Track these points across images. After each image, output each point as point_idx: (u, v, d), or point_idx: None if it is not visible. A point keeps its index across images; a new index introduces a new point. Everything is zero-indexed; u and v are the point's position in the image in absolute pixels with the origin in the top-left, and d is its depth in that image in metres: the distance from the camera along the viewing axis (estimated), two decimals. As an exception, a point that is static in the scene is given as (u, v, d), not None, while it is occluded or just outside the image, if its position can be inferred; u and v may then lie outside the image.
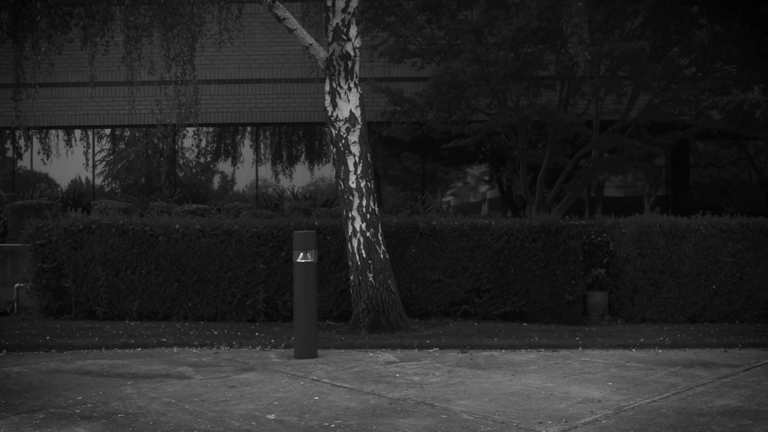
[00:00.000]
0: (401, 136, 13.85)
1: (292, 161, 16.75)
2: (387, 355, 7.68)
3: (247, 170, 16.70)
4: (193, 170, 17.12)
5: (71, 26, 10.54)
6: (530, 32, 11.70)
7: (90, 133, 16.74)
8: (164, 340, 8.29)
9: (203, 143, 16.93)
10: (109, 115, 16.18)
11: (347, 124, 8.99)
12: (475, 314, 9.83)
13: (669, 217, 10.15)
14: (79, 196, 15.81)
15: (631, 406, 5.60)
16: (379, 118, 14.08)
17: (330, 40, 9.04)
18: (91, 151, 16.77)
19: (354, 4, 8.97)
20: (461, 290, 9.81)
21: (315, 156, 16.79)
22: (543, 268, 9.74)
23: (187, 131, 16.30)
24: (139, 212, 12.96)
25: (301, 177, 16.64)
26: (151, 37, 11.12)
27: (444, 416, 5.35)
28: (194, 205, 13.19)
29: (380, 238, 9.03)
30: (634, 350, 7.95)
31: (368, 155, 9.12)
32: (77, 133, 16.72)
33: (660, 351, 7.94)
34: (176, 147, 16.77)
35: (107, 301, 9.81)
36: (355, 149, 8.99)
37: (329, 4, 9.00)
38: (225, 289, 9.76)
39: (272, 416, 5.35)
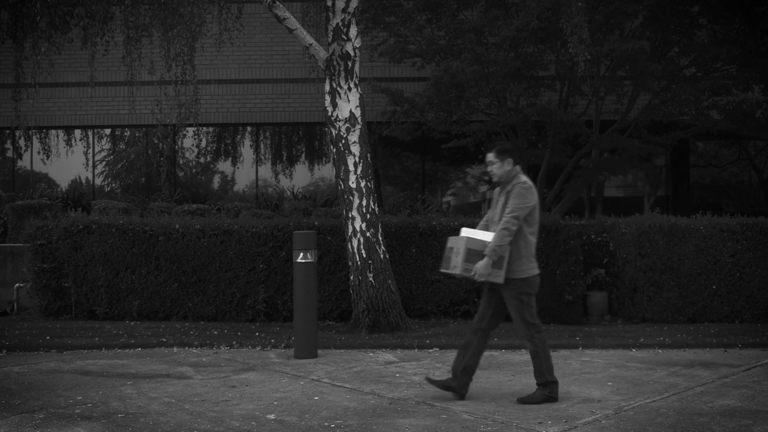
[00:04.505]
0: (401, 136, 13.85)
1: (292, 161, 16.75)
2: (387, 355, 7.68)
3: (247, 170, 16.70)
4: (193, 170, 17.12)
5: (71, 26, 10.53)
6: (530, 32, 11.70)
7: (90, 133, 16.74)
8: (164, 340, 8.29)
9: (203, 143, 16.93)
10: (109, 115, 16.18)
11: (347, 124, 8.99)
12: (476, 314, 9.81)
13: (669, 217, 10.14)
14: (79, 196, 15.80)
15: (631, 406, 5.60)
16: (379, 118, 14.08)
17: (330, 40, 9.04)
18: (91, 151, 16.77)
19: (354, 4, 8.97)
20: (461, 290, 9.81)
21: (315, 156, 16.79)
22: (543, 268, 9.65)
23: (187, 131, 16.30)
24: (139, 212, 12.96)
25: (301, 177, 16.64)
26: (151, 37, 11.12)
27: (444, 416, 5.35)
28: (194, 205, 13.19)
29: (380, 238, 9.03)
30: (634, 350, 7.95)
31: (368, 155, 9.12)
32: (77, 133, 16.72)
33: (660, 351, 7.94)
34: (176, 147, 16.77)
35: (107, 301, 9.81)
36: (355, 149, 8.99)
37: (329, 4, 9.00)
38: (225, 289, 9.76)
39: (272, 416, 5.35)
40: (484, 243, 5.63)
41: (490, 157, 5.82)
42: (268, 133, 16.81)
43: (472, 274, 5.64)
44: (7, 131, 16.41)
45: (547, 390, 5.71)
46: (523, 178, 5.75)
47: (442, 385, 5.82)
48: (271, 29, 15.40)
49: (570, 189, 13.62)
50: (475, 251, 5.63)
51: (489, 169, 5.87)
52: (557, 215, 11.15)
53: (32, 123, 13.87)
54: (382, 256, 8.95)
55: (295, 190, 16.15)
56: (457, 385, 5.78)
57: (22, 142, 16.48)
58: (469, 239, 5.68)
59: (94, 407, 5.61)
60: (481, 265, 5.59)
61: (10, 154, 16.97)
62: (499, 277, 5.62)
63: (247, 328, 9.21)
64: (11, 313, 10.72)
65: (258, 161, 16.64)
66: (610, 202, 16.13)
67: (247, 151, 16.74)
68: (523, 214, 5.60)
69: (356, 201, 8.95)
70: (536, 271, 5.75)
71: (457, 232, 5.66)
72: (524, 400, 5.68)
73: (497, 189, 5.92)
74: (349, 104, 9.02)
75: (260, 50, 15.97)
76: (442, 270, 6.27)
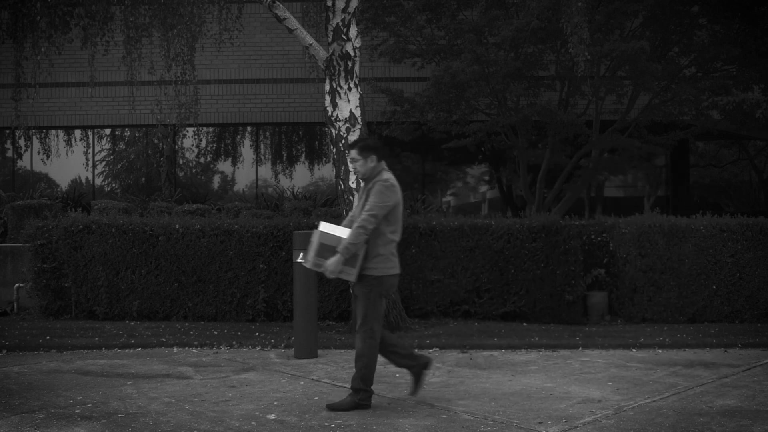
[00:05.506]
0: (401, 136, 13.86)
1: (292, 161, 16.76)
2: (387, 355, 7.67)
3: (247, 170, 16.70)
4: (193, 170, 17.13)
5: (71, 26, 10.53)
6: (530, 32, 11.70)
7: (90, 133, 16.74)
8: (164, 340, 8.29)
9: (203, 143, 16.93)
10: (109, 115, 16.18)
11: (347, 124, 8.99)
12: (475, 314, 9.83)
13: (669, 217, 10.15)
14: (79, 196, 15.81)
15: (631, 406, 5.60)
16: (379, 118, 14.08)
17: (330, 40, 9.04)
18: (91, 151, 16.77)
19: (354, 4, 8.97)
20: (461, 290, 9.81)
21: (315, 156, 16.79)
22: (543, 268, 9.74)
23: (187, 131, 16.30)
24: (139, 212, 12.96)
25: (301, 177, 16.64)
26: (151, 37, 11.12)
27: (444, 416, 5.35)
28: (194, 205, 13.19)
29: (380, 238, 9.00)
30: (634, 350, 7.95)
31: (368, 155, 9.11)
32: (77, 133, 16.73)
33: (660, 351, 7.94)
34: (176, 147, 16.77)
35: (107, 301, 9.81)
36: (355, 149, 8.97)
37: (329, 4, 9.00)
38: (225, 289, 9.76)
39: (272, 416, 5.35)
40: (338, 239, 5.44)
41: (353, 154, 5.60)
42: (268, 133, 16.81)
43: (323, 269, 5.49)
44: (7, 131, 16.42)
45: (358, 397, 5.49)
46: (386, 175, 5.57)
47: (414, 374, 5.78)
48: (271, 29, 15.40)
49: (570, 189, 13.62)
50: (327, 246, 5.45)
51: (352, 166, 5.71)
52: (557, 215, 11.14)
53: (32, 123, 13.87)
54: (382, 256, 8.93)
55: (295, 190, 16.15)
56: (421, 362, 5.75)
57: (22, 142, 16.49)
58: (322, 234, 5.51)
59: (94, 407, 5.60)
60: (331, 261, 5.39)
61: (10, 154, 16.98)
62: (350, 276, 5.42)
63: (247, 328, 9.21)
64: (11, 313, 10.72)
65: (258, 161, 16.64)
66: (610, 202, 16.14)
67: (247, 151, 16.74)
68: (382, 213, 5.44)
69: (356, 201, 8.94)
70: (394, 272, 5.54)
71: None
72: (333, 407, 5.48)
73: (362, 185, 5.76)
74: (349, 104, 9.01)
75: (260, 50, 15.97)
76: (299, 261, 6.22)
